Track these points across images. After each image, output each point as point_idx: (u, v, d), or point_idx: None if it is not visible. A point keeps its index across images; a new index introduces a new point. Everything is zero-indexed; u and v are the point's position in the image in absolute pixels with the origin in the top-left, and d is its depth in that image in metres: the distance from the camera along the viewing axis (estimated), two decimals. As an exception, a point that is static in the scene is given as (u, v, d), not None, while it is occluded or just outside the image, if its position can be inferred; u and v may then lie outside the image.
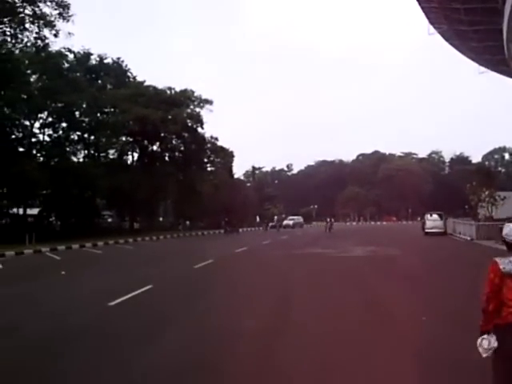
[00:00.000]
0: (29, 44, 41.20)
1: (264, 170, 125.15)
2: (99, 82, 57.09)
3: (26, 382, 6.42)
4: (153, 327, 9.14)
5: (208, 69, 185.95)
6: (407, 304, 10.81)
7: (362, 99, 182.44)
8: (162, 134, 59.22)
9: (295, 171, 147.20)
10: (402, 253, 24.23)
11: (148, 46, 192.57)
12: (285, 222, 70.94)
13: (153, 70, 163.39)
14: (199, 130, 61.78)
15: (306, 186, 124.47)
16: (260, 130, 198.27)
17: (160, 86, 62.39)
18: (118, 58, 59.28)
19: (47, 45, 42.72)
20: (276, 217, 68.49)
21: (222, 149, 69.16)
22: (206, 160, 67.96)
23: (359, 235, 41.32)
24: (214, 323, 9.35)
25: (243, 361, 6.87)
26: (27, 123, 48.05)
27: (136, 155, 62.96)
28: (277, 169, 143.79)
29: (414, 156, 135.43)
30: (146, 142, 60.49)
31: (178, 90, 62.54)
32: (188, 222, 49.56)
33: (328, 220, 52.21)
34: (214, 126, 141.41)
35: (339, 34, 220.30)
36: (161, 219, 76.29)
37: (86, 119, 53.90)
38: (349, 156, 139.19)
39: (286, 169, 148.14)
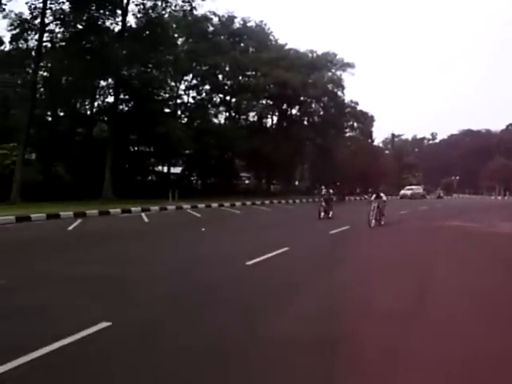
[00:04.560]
0: (177, 8, 42.47)
1: (404, 137, 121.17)
2: (242, 45, 57.72)
3: (157, 332, 6.49)
4: (285, 291, 8.93)
5: (351, 31, 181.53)
6: None
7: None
8: (302, 98, 58.88)
9: (437, 140, 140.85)
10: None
11: (290, 8, 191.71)
12: (402, 192, 68.31)
13: (295, 32, 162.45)
14: (339, 94, 60.77)
15: (448, 156, 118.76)
16: (402, 95, 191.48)
17: (302, 49, 61.90)
18: (261, 21, 59.56)
19: (194, 8, 43.83)
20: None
21: (362, 113, 67.61)
22: (344, 125, 66.85)
23: (503, 211, 38.67)
24: (347, 295, 8.94)
25: (372, 340, 6.34)
26: (173, 84, 49.97)
27: (275, 118, 63.41)
28: (418, 137, 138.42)
29: None
30: (285, 105, 60.53)
31: (319, 53, 61.67)
32: (323, 188, 49.10)
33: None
34: (355, 90, 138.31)
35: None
36: (297, 183, 76.61)
37: (229, 82, 55.04)
38: (497, 125, 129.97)
39: (428, 137, 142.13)
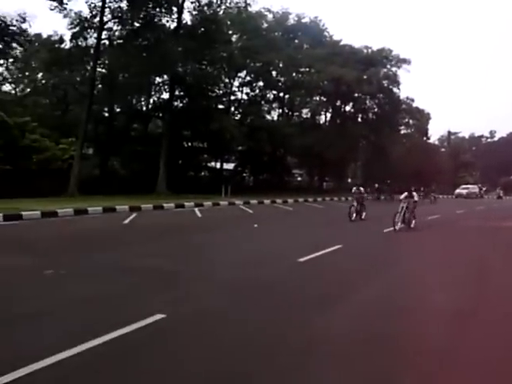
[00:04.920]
0: (232, 5, 42.77)
1: (460, 135, 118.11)
2: (296, 41, 57.58)
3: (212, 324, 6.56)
4: (337, 289, 8.90)
5: (407, 26, 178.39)
6: None
7: None
8: (356, 95, 58.26)
9: (496, 138, 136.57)
10: None
11: (346, 4, 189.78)
12: (457, 191, 66.70)
13: (350, 28, 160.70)
14: (395, 90, 59.79)
15: (507, 155, 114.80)
16: (460, 92, 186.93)
17: (357, 45, 61.24)
18: (316, 17, 59.18)
19: (248, 5, 44.05)
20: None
21: (418, 110, 66.38)
22: (399, 122, 65.81)
23: None
24: (399, 295, 8.78)
25: (422, 341, 6.21)
26: (227, 81, 50.31)
27: (328, 115, 62.99)
28: (476, 135, 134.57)
29: None
30: (339, 102, 60.06)
31: (374, 49, 60.83)
32: (376, 185, 48.48)
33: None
34: (411, 86, 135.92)
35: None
36: (349, 180, 75.92)
37: (282, 78, 54.95)
38: None
39: (487, 135, 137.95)
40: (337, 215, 28.23)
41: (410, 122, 68.49)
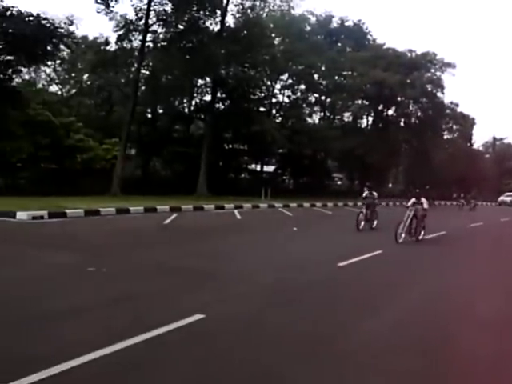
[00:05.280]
0: (275, 8, 42.87)
1: (506, 141, 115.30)
2: (339, 44, 57.20)
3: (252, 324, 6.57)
4: (376, 295, 8.83)
5: (452, 30, 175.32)
6: None
7: None
8: (399, 99, 57.52)
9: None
10: None
11: (390, 7, 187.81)
12: (500, 199, 64.80)
13: (394, 32, 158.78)
14: (439, 94, 58.77)
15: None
16: (506, 97, 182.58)
17: (400, 48, 60.48)
18: (359, 21, 58.65)
19: (292, 8, 44.09)
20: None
21: (462, 116, 65.11)
22: (443, 127, 64.71)
23: None
24: (440, 303, 8.62)
25: (468, 350, 6.12)
26: (269, 84, 50.35)
27: (370, 119, 62.39)
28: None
29: None
30: (381, 106, 59.40)
31: (418, 52, 59.93)
32: (417, 191, 47.56)
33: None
34: (456, 90, 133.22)
35: None
36: (390, 185, 75.02)
37: (324, 82, 54.69)
38: None
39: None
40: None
41: (454, 127, 67.27)
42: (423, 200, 16.93)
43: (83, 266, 9.74)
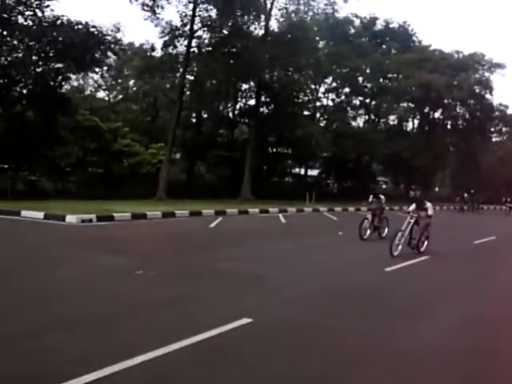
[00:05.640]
0: (319, 11, 42.73)
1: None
2: (383, 46, 56.68)
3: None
4: (425, 300, 8.72)
5: (501, 29, 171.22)
6: None
7: None
8: (446, 101, 56.50)
9: None
10: None
11: (436, 8, 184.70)
12: None
13: (440, 33, 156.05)
14: (487, 96, 57.42)
15: None
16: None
17: (447, 49, 59.46)
18: (404, 22, 57.91)
19: (336, 11, 43.89)
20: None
21: (513, 118, 63.46)
22: (491, 129, 63.22)
23: None
24: (493, 309, 8.41)
25: None
26: (313, 87, 50.22)
27: (416, 122, 61.48)
28: None
29: None
30: (427, 108, 58.46)
31: (466, 53, 58.74)
32: (466, 195, 46.44)
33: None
34: (505, 92, 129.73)
35: None
36: (436, 189, 73.68)
37: (369, 84, 54.24)
38: None
39: None
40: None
41: (503, 129, 65.58)
42: (428, 205, 14.16)
43: (131, 269, 9.89)
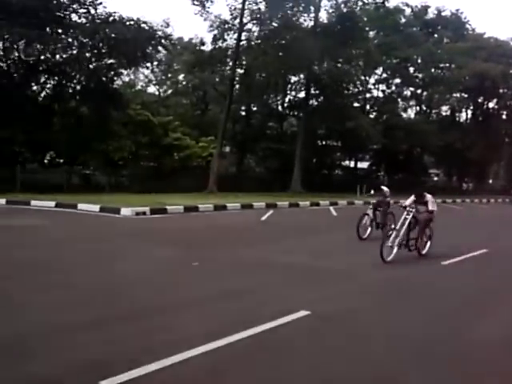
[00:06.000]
0: (369, 1, 42.15)
1: None
2: (435, 35, 55.45)
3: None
4: (485, 295, 8.59)
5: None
6: None
7: None
8: (501, 91, 54.78)
9: None
10: None
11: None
12: None
13: (494, 20, 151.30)
14: (546, 83, 55.44)
15: None
16: None
17: (502, 37, 57.68)
18: (457, 10, 56.49)
19: (386, 0, 43.22)
20: None
21: None
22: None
23: None
24: None
25: None
26: (362, 78, 49.64)
27: (470, 112, 59.99)
28: None
29: None
30: (481, 98, 56.90)
31: (523, 40, 56.75)
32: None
33: None
34: None
35: None
36: (490, 181, 71.79)
37: (420, 75, 53.28)
38: None
39: None
40: (480, 217, 26.95)
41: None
42: (428, 197, 11.95)
43: (187, 261, 10.02)
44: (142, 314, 6.47)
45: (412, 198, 11.88)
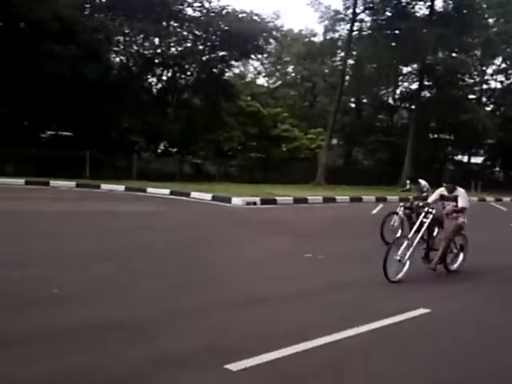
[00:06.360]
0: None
1: None
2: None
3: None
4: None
5: None
6: None
7: None
8: None
9: None
10: None
11: None
12: None
13: None
14: None
15: None
16: None
17: None
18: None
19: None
20: None
21: None
22: None
23: None
24: None
25: None
26: (479, 69, 47.36)
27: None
28: None
29: None
30: None
31: None
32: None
33: None
34: None
35: None
36: None
37: (544, 65, 49.87)
38: None
39: None
40: None
41: None
42: (459, 191, 8.83)
43: (300, 252, 10.01)
44: (258, 302, 6.54)
45: (438, 193, 9.02)
